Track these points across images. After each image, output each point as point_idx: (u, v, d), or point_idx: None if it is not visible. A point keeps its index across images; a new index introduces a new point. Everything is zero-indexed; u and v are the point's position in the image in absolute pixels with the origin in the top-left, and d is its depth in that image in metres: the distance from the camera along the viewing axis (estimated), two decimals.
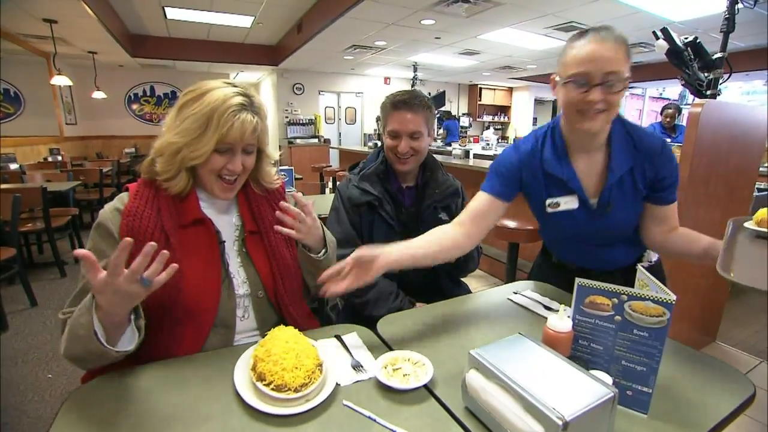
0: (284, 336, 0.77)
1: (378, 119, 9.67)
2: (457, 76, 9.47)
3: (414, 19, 4.54)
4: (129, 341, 0.75)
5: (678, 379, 0.79)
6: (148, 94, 8.45)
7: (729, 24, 2.99)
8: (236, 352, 0.82)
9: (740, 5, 2.92)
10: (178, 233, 0.87)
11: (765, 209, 0.79)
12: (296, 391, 0.68)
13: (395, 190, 1.36)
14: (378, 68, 8.32)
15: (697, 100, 2.35)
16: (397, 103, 1.28)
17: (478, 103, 11.05)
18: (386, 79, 9.80)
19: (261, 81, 10.10)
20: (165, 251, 0.69)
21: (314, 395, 0.71)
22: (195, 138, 0.84)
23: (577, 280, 0.73)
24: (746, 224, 0.80)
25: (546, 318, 1.03)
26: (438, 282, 1.37)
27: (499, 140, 8.82)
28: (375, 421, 0.67)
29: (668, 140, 4.51)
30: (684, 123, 5.62)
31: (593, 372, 0.65)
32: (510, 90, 11.38)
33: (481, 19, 4.46)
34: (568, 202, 1.06)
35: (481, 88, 10.94)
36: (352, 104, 9.67)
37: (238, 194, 1.00)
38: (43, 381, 2.00)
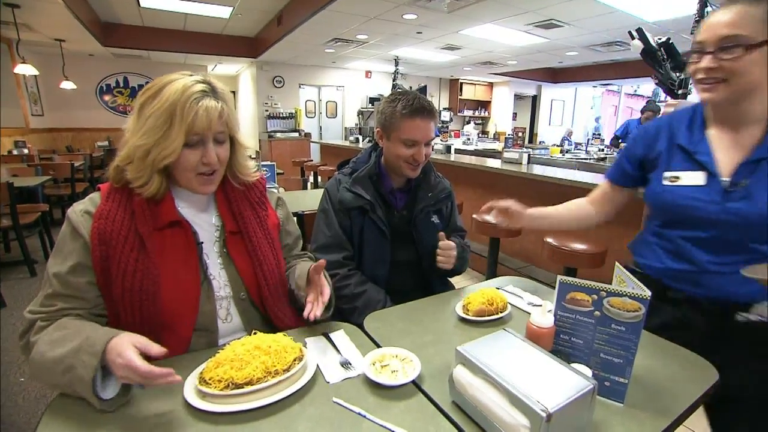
0: (238, 344, 0.76)
1: (360, 113, 9.64)
2: (438, 70, 9.50)
3: (396, 13, 4.53)
4: (112, 389, 0.70)
5: (650, 368, 0.84)
6: (122, 85, 8.13)
7: (699, 26, 3.11)
8: (217, 353, 0.80)
9: (709, 8, 3.05)
10: (153, 236, 0.84)
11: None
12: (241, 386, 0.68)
13: (387, 193, 1.34)
14: (359, 62, 8.26)
15: (670, 101, 2.44)
16: (417, 111, 1.21)
17: (459, 97, 11.11)
18: (367, 73, 9.74)
19: (240, 73, 9.88)
20: (178, 377, 0.65)
21: (284, 387, 0.71)
22: (161, 136, 0.80)
23: (559, 277, 0.76)
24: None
25: (529, 313, 1.07)
26: (428, 283, 1.37)
27: (480, 135, 8.93)
28: (365, 417, 0.68)
29: None
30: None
31: (574, 365, 0.68)
32: (490, 85, 11.49)
33: (462, 14, 4.48)
34: (691, 178, 0.93)
35: (462, 83, 11.00)
36: (332, 98, 9.57)
37: (217, 193, 0.97)
38: (15, 385, 1.93)
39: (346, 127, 9.39)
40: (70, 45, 6.36)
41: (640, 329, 0.70)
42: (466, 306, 1.05)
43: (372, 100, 9.32)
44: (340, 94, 9.60)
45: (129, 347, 0.65)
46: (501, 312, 1.04)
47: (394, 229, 1.32)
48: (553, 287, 1.27)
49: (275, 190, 1.10)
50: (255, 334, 0.80)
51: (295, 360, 0.75)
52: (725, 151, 0.91)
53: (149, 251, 0.82)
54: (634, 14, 4.31)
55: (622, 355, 0.72)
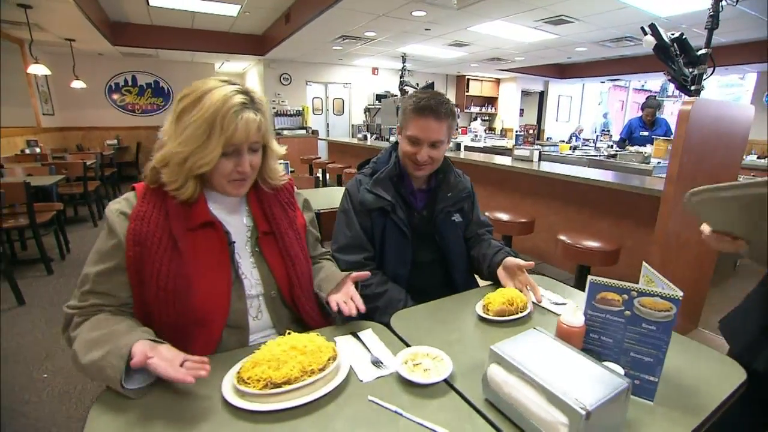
0: (274, 344, 0.78)
1: (367, 110, 9.63)
2: (444, 67, 9.46)
3: (405, 11, 4.52)
4: (142, 380, 0.74)
5: (677, 367, 0.84)
6: (130, 83, 8.19)
7: (713, 21, 3.08)
8: (251, 351, 0.82)
9: (724, 3, 3.01)
10: (186, 237, 0.86)
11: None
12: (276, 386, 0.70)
13: (408, 193, 1.34)
14: (366, 59, 8.25)
15: (686, 98, 2.42)
16: (422, 109, 1.19)
17: (466, 94, 11.07)
18: (374, 70, 9.72)
19: (247, 71, 9.90)
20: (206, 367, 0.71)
21: (320, 386, 0.73)
22: (200, 145, 0.82)
23: (590, 277, 0.77)
24: None
25: (553, 311, 1.08)
26: (451, 281, 1.38)
27: (486, 131, 8.89)
28: (402, 415, 0.69)
29: (646, 133, 4.67)
30: (663, 116, 5.80)
31: (606, 363, 0.69)
32: (497, 81, 11.43)
33: (472, 11, 4.46)
34: None
35: (468, 80, 10.95)
36: (339, 95, 9.57)
37: (249, 194, 0.99)
38: (38, 381, 1.97)
39: (353, 125, 9.41)
40: (80, 45, 6.41)
41: (671, 328, 0.71)
42: (486, 306, 1.06)
43: (379, 97, 9.30)
44: (346, 91, 9.60)
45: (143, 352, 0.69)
46: (521, 312, 1.04)
47: (415, 230, 1.33)
48: (569, 284, 1.28)
49: (301, 192, 1.12)
50: (289, 333, 0.82)
51: (329, 359, 0.77)
52: None
53: (182, 252, 0.85)
54: (646, 10, 4.26)
55: (653, 354, 0.73)
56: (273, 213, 0.99)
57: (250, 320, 0.94)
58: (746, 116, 2.34)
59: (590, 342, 0.79)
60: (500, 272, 1.23)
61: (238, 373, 0.75)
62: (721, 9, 2.91)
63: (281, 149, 0.99)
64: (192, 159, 0.83)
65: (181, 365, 0.70)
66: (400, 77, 7.05)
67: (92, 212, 4.80)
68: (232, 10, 5.47)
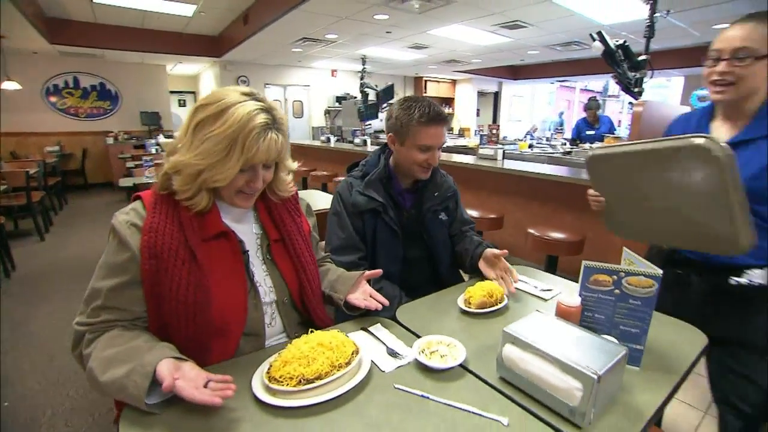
0: (301, 343, 0.82)
1: (327, 112, 9.59)
2: (403, 68, 9.63)
3: (368, 14, 4.58)
4: (163, 394, 0.72)
5: (654, 337, 0.96)
6: (71, 85, 7.60)
7: (650, 30, 3.40)
8: (267, 354, 0.86)
9: (658, 15, 3.34)
10: (202, 248, 0.85)
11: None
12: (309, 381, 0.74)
13: (396, 194, 1.40)
14: (325, 61, 8.23)
15: (637, 100, 2.67)
16: (433, 119, 1.27)
17: (423, 94, 11.33)
18: (333, 72, 9.71)
19: (201, 73, 9.53)
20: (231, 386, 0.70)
21: (347, 379, 0.77)
22: (218, 161, 0.81)
23: (584, 262, 0.87)
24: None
25: (541, 297, 1.19)
26: (439, 276, 1.45)
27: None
28: (429, 398, 0.75)
29: (592, 132, 5.06)
30: (605, 113, 6.29)
31: (603, 336, 0.79)
32: (453, 82, 11.79)
33: (432, 15, 4.60)
34: None
35: (426, 81, 11.21)
36: (298, 97, 9.46)
37: (257, 203, 1.00)
38: None
39: (313, 127, 9.32)
40: (11, 42, 5.89)
41: (654, 302, 0.82)
42: (467, 300, 1.12)
43: (339, 99, 9.29)
44: (306, 93, 9.51)
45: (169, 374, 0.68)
46: (499, 303, 1.11)
47: (405, 229, 1.40)
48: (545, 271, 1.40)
49: (303, 198, 1.14)
50: (312, 332, 0.85)
51: (353, 353, 0.81)
52: (720, 137, 1.10)
53: (200, 263, 0.84)
54: (592, 18, 4.61)
55: (639, 326, 0.84)
56: (282, 220, 1.01)
57: (265, 327, 0.95)
58: (680, 113, 2.61)
59: (585, 319, 0.89)
60: (481, 264, 1.32)
61: (268, 372, 0.77)
62: (656, 20, 3.23)
63: (293, 165, 0.99)
64: (207, 173, 0.82)
65: (205, 385, 0.69)
66: (361, 79, 7.10)
67: (38, 225, 4.44)
68: (187, 10, 5.28)
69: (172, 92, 9.04)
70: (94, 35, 6.11)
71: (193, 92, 10.28)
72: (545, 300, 1.19)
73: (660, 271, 0.81)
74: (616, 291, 0.85)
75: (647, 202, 1.07)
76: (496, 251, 1.28)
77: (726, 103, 1.10)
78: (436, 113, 1.28)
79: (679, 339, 0.98)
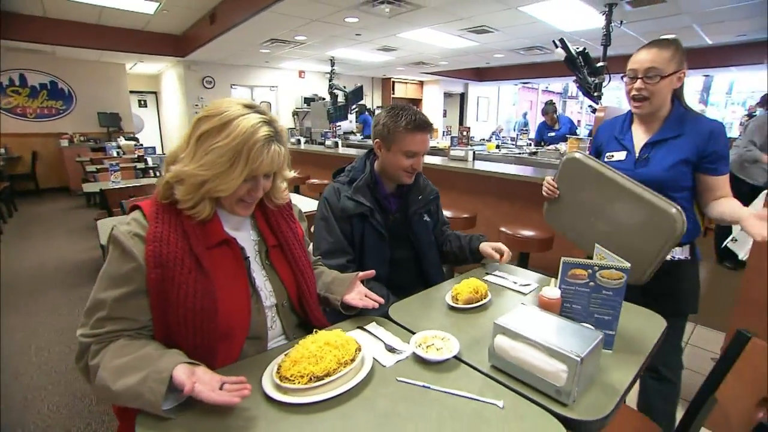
0: (308, 342, 0.86)
1: (296, 114, 9.49)
2: (371, 70, 9.69)
3: (338, 17, 4.60)
4: (175, 399, 0.75)
5: (623, 323, 1.07)
6: (18, 83, 7.10)
7: (607, 39, 3.65)
8: (271, 356, 0.90)
9: (613, 24, 3.58)
10: (206, 256, 0.87)
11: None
12: (318, 378, 0.78)
13: (382, 198, 1.46)
14: (293, 62, 8.16)
15: (597, 104, 2.85)
16: (419, 127, 1.34)
17: (392, 96, 11.43)
18: (301, 73, 9.63)
19: (163, 72, 9.17)
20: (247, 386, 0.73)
21: (353, 375, 0.82)
22: (223, 172, 0.83)
23: (563, 258, 0.96)
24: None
25: (520, 292, 1.28)
26: (425, 274, 1.52)
27: None
28: (430, 388, 0.81)
29: (553, 134, 5.34)
30: (564, 113, 6.61)
31: (582, 324, 0.88)
32: (421, 84, 11.97)
33: (402, 19, 4.69)
34: (619, 155, 1.41)
35: (394, 82, 11.33)
36: (266, 98, 9.31)
37: (254, 210, 1.01)
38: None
39: None
40: None
41: (624, 292, 0.92)
42: (455, 296, 1.19)
43: (307, 101, 9.23)
44: (273, 94, 9.39)
45: (186, 378, 0.70)
46: (485, 298, 1.20)
47: (391, 231, 1.46)
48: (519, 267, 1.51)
49: (296, 204, 1.17)
50: (316, 332, 0.89)
51: (356, 350, 0.86)
52: (639, 138, 1.40)
53: (206, 270, 0.85)
54: (553, 25, 4.86)
55: (611, 313, 0.94)
56: (279, 227, 1.04)
57: (267, 330, 0.98)
58: None
59: (565, 310, 0.98)
60: (483, 251, 1.47)
61: (278, 372, 0.80)
62: (611, 30, 3.47)
63: (290, 174, 1.01)
64: (211, 183, 0.84)
65: (220, 388, 0.72)
66: (330, 80, 7.10)
67: None
68: (149, 7, 5.10)
69: (132, 92, 8.64)
70: (44, 30, 5.74)
71: (154, 92, 9.87)
72: (525, 294, 1.28)
73: (628, 264, 0.91)
74: (591, 283, 0.94)
75: (594, 219, 1.33)
76: (491, 248, 1.45)
77: (644, 113, 1.34)
78: (422, 121, 1.35)
79: (644, 324, 1.09)
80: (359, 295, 1.08)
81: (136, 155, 5.65)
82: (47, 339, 2.47)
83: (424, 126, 1.36)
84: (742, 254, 1.78)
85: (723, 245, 1.95)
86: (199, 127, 0.85)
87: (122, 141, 7.08)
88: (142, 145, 6.64)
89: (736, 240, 1.91)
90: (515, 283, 1.35)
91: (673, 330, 1.25)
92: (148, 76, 9.59)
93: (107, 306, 0.81)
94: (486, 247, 1.46)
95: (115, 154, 6.02)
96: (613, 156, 1.42)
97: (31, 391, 1.98)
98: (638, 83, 1.28)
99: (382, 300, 1.07)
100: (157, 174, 4.81)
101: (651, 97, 1.28)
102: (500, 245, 1.45)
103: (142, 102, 9.76)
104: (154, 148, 5.88)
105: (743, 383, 0.92)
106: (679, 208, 1.17)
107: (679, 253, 1.36)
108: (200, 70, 7.87)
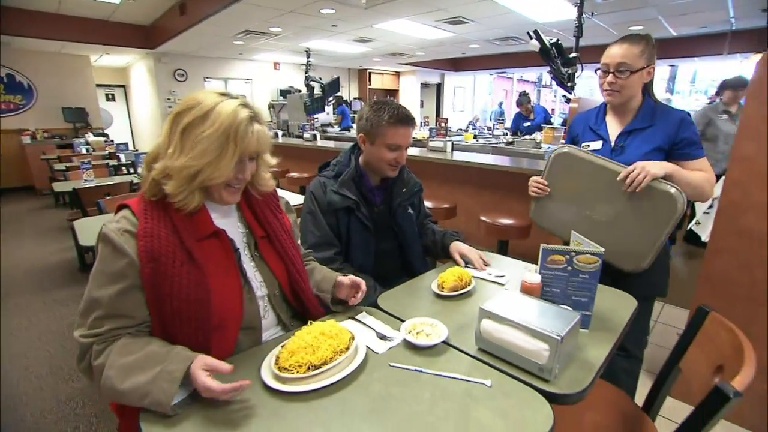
0: (304, 333, 0.89)
1: (272, 106, 9.30)
2: (347, 61, 9.62)
3: (314, 8, 4.55)
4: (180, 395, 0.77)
5: (598, 304, 1.14)
6: None
7: (579, 30, 3.74)
8: (266, 349, 0.92)
9: (584, 16, 3.68)
10: (197, 248, 0.88)
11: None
12: (314, 368, 0.81)
13: (367, 191, 1.49)
14: (268, 53, 8.01)
15: (571, 94, 2.94)
16: (402, 120, 1.38)
17: (368, 87, 11.38)
18: (276, 65, 9.47)
19: (131, 65, 8.82)
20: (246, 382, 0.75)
21: (348, 362, 0.86)
22: (215, 158, 0.85)
23: (542, 245, 1.02)
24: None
25: (496, 282, 1.32)
26: (410, 265, 1.57)
27: None
28: (421, 371, 0.86)
29: (528, 123, 5.47)
30: (540, 104, 6.77)
31: (561, 306, 0.95)
32: (397, 74, 11.96)
33: (378, 9, 4.67)
34: (595, 144, 1.49)
35: (370, 73, 11.27)
36: (241, 91, 9.11)
37: (240, 203, 1.04)
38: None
39: None
40: None
41: (599, 275, 0.99)
42: (441, 284, 1.24)
43: (283, 93, 9.09)
44: (248, 87, 9.21)
45: (201, 374, 0.74)
46: (469, 286, 1.25)
47: (376, 223, 1.49)
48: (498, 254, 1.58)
49: (283, 196, 1.19)
50: (311, 323, 0.92)
51: (350, 339, 0.90)
52: (613, 128, 1.48)
53: (198, 262, 0.87)
54: (527, 16, 4.94)
55: (587, 295, 1.01)
56: (266, 218, 1.05)
57: (261, 320, 1.00)
58: None
59: (545, 293, 1.05)
60: (455, 255, 1.50)
61: (277, 363, 0.83)
62: (583, 21, 3.57)
63: (272, 160, 1.03)
64: (205, 173, 0.85)
65: None
66: (306, 72, 7.01)
67: None
68: None
69: (99, 86, 8.28)
70: None
71: (123, 86, 9.50)
72: (502, 285, 1.31)
73: (602, 249, 0.98)
74: (569, 268, 1.01)
75: (589, 212, 1.39)
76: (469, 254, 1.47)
77: (617, 104, 1.44)
78: (405, 115, 1.39)
79: (616, 304, 1.17)
80: (348, 290, 1.12)
81: (107, 152, 5.47)
82: (25, 345, 2.40)
83: (406, 120, 1.39)
84: (704, 236, 1.91)
85: (688, 227, 2.08)
86: (179, 121, 0.86)
87: (91, 137, 6.80)
88: (112, 141, 6.41)
89: (699, 223, 2.04)
90: (490, 274, 1.37)
91: (642, 312, 1.34)
92: (116, 69, 9.22)
93: (104, 304, 0.81)
94: (454, 250, 1.50)
95: (84, 151, 5.80)
96: (589, 145, 1.50)
97: (12, 399, 1.94)
98: (610, 77, 1.37)
99: (362, 282, 1.11)
100: (131, 171, 4.67)
101: (621, 90, 1.37)
102: (468, 251, 1.47)
103: (110, 96, 9.38)
104: (126, 144, 5.71)
105: (703, 353, 1.01)
106: (677, 187, 1.24)
107: None
108: (171, 63, 7.62)
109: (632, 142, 1.41)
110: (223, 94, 0.89)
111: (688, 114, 1.38)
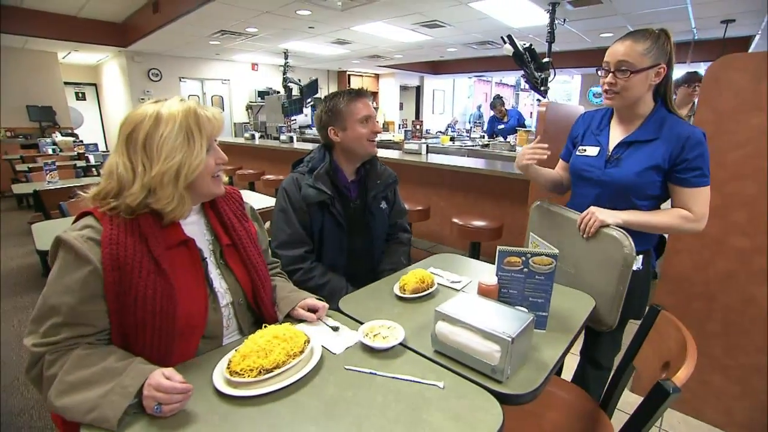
0: (257, 337, 0.87)
1: (249, 108, 9.19)
2: (326, 63, 9.58)
3: (290, 9, 4.51)
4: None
5: (557, 304, 1.16)
6: None
7: (551, 36, 3.84)
8: (224, 351, 0.92)
9: (557, 22, 3.78)
10: (165, 257, 0.86)
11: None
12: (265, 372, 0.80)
13: (342, 186, 1.48)
14: (246, 54, 7.90)
15: (543, 98, 3.01)
16: (358, 93, 1.45)
17: (347, 89, 11.34)
18: (254, 66, 9.35)
19: (103, 63, 8.54)
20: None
21: (303, 365, 0.85)
22: (186, 150, 0.86)
23: (498, 247, 1.03)
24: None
25: (453, 288, 1.31)
26: (378, 265, 1.57)
27: None
28: (376, 374, 0.86)
29: (503, 126, 5.57)
30: (517, 106, 6.92)
31: (516, 308, 0.96)
32: (377, 77, 11.98)
33: (355, 12, 4.67)
34: (591, 150, 1.34)
35: (349, 75, 11.26)
36: (218, 92, 8.98)
37: (206, 211, 1.02)
38: None
39: (234, 123, 8.91)
40: None
41: (553, 276, 1.01)
42: (402, 287, 1.23)
43: (261, 94, 8.98)
44: (226, 87, 9.06)
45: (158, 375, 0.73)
46: (430, 288, 1.24)
47: (350, 220, 1.49)
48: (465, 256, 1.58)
49: (247, 202, 1.17)
50: (265, 327, 0.91)
51: (305, 342, 0.89)
52: (615, 136, 1.32)
53: (165, 272, 0.85)
54: (502, 21, 5.03)
55: (543, 296, 1.03)
56: (233, 225, 1.04)
57: (223, 329, 0.98)
58: (578, 112, 3.01)
59: (502, 295, 1.06)
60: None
61: (228, 368, 0.82)
62: (555, 27, 3.66)
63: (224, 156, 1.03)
64: (185, 167, 0.86)
65: None
66: (284, 74, 6.95)
67: None
68: None
69: (67, 84, 7.99)
70: None
71: (94, 84, 9.19)
72: (457, 290, 1.29)
73: (557, 251, 1.00)
74: (525, 269, 1.02)
75: (561, 263, 1.27)
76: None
77: (618, 108, 1.30)
78: (357, 90, 1.46)
79: (575, 304, 1.19)
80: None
81: (75, 153, 5.28)
82: None
83: (361, 92, 1.46)
84: None
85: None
86: (135, 138, 0.85)
87: (58, 137, 6.55)
88: (82, 141, 6.20)
89: None
90: (448, 280, 1.36)
91: (617, 329, 1.28)
92: (86, 67, 8.92)
93: (63, 312, 0.78)
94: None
95: (50, 152, 5.59)
96: (585, 150, 1.37)
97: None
98: (609, 77, 1.21)
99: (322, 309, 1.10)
100: (101, 172, 4.51)
101: (622, 92, 1.20)
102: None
103: (80, 95, 9.06)
104: (96, 144, 5.52)
105: (653, 350, 1.04)
106: (623, 231, 1.16)
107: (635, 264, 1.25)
108: (145, 62, 7.43)
109: (631, 155, 1.24)
110: (159, 101, 0.90)
111: (702, 134, 1.18)
